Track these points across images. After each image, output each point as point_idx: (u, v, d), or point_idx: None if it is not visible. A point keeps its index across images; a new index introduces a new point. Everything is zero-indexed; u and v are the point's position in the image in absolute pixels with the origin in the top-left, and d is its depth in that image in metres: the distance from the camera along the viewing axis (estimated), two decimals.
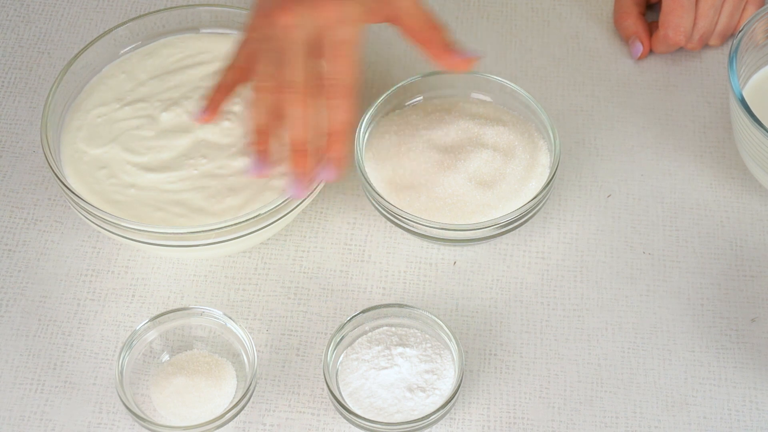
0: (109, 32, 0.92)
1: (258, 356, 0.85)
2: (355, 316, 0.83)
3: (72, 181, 0.87)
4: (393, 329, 0.84)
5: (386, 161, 0.89)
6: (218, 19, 0.95)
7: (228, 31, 0.95)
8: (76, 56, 0.90)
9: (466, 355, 0.86)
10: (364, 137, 0.90)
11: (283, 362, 0.85)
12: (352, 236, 0.92)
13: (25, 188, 0.94)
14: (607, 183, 0.94)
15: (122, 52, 0.94)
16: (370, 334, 0.84)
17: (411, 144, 0.90)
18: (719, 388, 0.84)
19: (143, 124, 0.90)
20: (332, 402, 0.82)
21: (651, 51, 1.01)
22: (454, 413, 0.83)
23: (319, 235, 0.92)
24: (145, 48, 0.94)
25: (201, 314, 0.84)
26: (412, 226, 0.87)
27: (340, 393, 0.82)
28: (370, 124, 0.91)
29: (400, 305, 0.84)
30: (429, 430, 0.82)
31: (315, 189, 0.86)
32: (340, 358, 0.83)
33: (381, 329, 0.84)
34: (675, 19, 0.97)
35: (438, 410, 0.80)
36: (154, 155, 0.89)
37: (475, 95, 0.93)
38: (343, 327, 0.83)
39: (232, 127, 0.90)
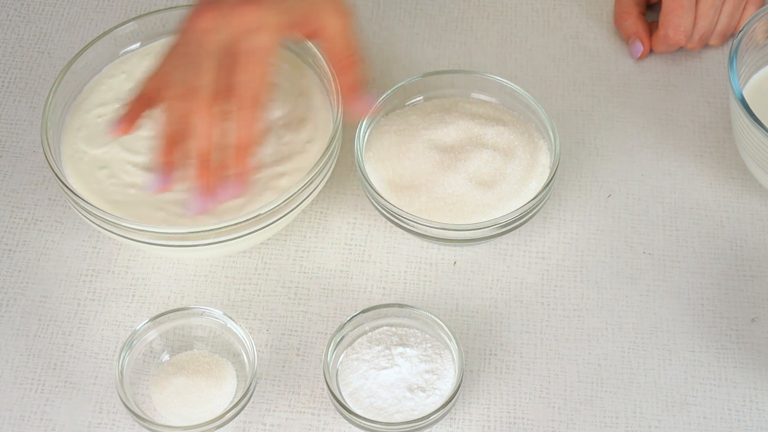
0: (109, 32, 0.92)
1: (258, 356, 0.85)
2: (355, 316, 0.83)
3: (72, 181, 0.87)
4: (393, 329, 0.84)
5: (386, 161, 0.89)
6: None
7: None
8: (76, 56, 0.90)
9: (466, 355, 0.86)
10: (364, 137, 0.90)
11: (283, 362, 0.85)
12: (352, 236, 0.92)
13: (25, 188, 0.94)
14: (607, 183, 0.94)
15: (122, 52, 0.94)
16: (370, 334, 0.84)
17: (411, 144, 0.90)
18: (719, 388, 0.84)
19: (143, 124, 0.90)
20: (332, 402, 0.82)
21: (651, 51, 1.01)
22: (454, 413, 0.83)
23: (319, 235, 0.92)
24: (145, 48, 0.94)
25: (201, 314, 0.84)
26: (412, 226, 0.87)
27: (340, 393, 0.82)
28: (370, 124, 0.91)
29: (400, 305, 0.84)
30: (429, 430, 0.82)
31: (314, 190, 0.86)
32: (340, 358, 0.83)
33: (381, 329, 0.84)
34: (675, 18, 0.97)
35: (438, 410, 0.80)
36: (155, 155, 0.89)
37: (476, 95, 0.93)
38: (343, 327, 0.83)
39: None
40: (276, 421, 0.83)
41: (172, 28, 0.94)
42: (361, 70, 0.84)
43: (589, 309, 0.88)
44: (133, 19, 0.93)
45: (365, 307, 0.84)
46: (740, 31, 0.90)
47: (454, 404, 0.81)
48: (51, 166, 0.85)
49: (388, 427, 0.80)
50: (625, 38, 1.02)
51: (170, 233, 0.82)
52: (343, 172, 0.94)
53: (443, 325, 0.83)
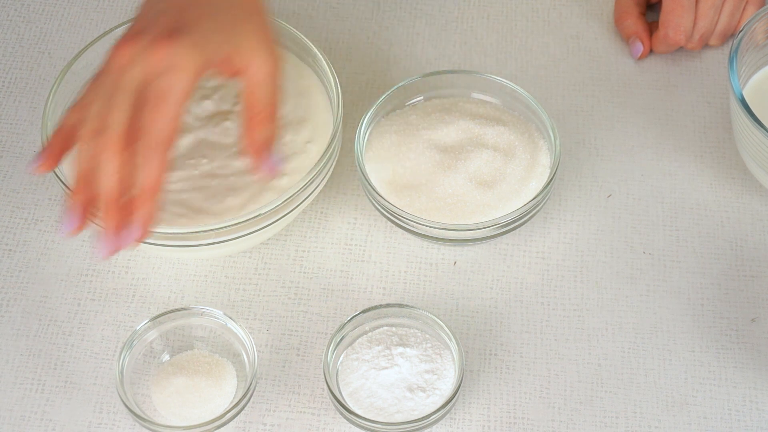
0: (109, 32, 0.92)
1: (258, 356, 0.85)
2: (356, 316, 0.83)
3: (72, 182, 0.87)
4: (393, 329, 0.84)
5: (386, 161, 0.89)
6: None
7: None
8: (76, 56, 0.90)
9: (466, 355, 0.86)
10: (364, 137, 0.90)
11: (283, 362, 0.85)
12: (352, 236, 0.92)
13: (25, 188, 0.94)
14: (607, 183, 0.94)
15: None
16: (370, 334, 0.84)
17: (411, 144, 0.90)
18: (719, 388, 0.84)
19: None
20: (332, 402, 0.82)
21: (651, 51, 1.01)
22: (455, 413, 0.83)
23: (320, 235, 0.92)
24: None
25: (201, 314, 0.84)
26: (413, 226, 0.87)
27: (340, 393, 0.82)
28: (370, 124, 0.91)
29: (401, 305, 0.84)
30: (429, 430, 0.82)
31: (314, 190, 0.86)
32: (341, 358, 0.83)
33: (381, 329, 0.84)
34: (675, 18, 0.97)
35: (438, 410, 0.80)
36: None
37: (476, 95, 0.93)
38: (343, 327, 0.83)
39: (232, 126, 0.90)
40: (276, 421, 0.83)
41: None
42: (275, 127, 0.78)
43: (589, 309, 0.88)
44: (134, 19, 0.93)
45: (365, 307, 0.84)
46: (740, 31, 0.90)
47: (454, 404, 0.81)
48: None
49: (388, 427, 0.80)
50: (625, 38, 1.02)
51: (170, 233, 0.82)
52: (343, 172, 0.94)
53: (443, 325, 0.83)
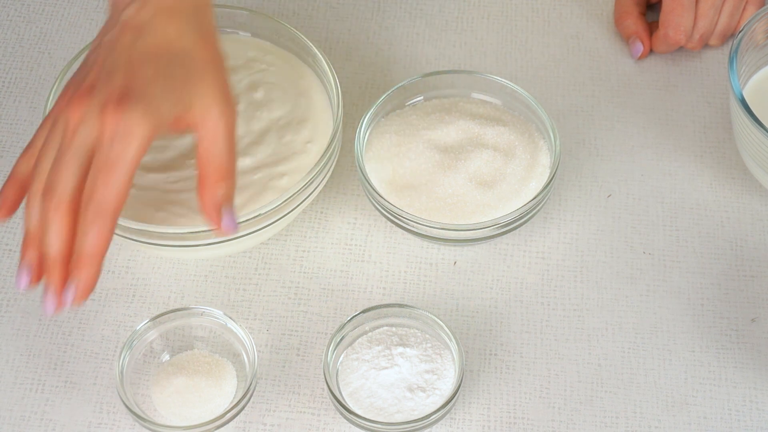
0: None
1: (258, 356, 0.85)
2: (356, 316, 0.83)
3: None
4: (393, 329, 0.84)
5: (386, 161, 0.89)
6: (218, 20, 0.95)
7: (229, 31, 0.95)
8: (77, 56, 0.90)
9: (466, 355, 0.86)
10: (364, 137, 0.90)
11: (283, 362, 0.85)
12: (352, 236, 0.92)
13: None
14: (607, 183, 0.94)
15: None
16: (370, 334, 0.84)
17: (411, 144, 0.90)
18: (719, 388, 0.84)
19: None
20: (332, 402, 0.82)
21: (651, 51, 1.01)
22: (455, 413, 0.83)
23: (319, 235, 0.92)
24: None
25: (201, 314, 0.84)
26: (413, 226, 0.87)
27: (340, 393, 0.82)
28: (370, 124, 0.91)
29: (401, 305, 0.84)
30: (429, 430, 0.82)
31: (314, 190, 0.86)
32: (341, 358, 0.83)
33: (381, 329, 0.84)
34: (675, 18, 0.98)
35: (438, 410, 0.80)
36: (155, 155, 0.89)
37: (476, 95, 0.93)
38: (343, 327, 0.83)
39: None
40: (276, 421, 0.83)
41: None
42: (232, 185, 0.76)
43: (589, 309, 0.88)
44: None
45: (365, 307, 0.84)
46: (740, 31, 0.90)
47: (454, 404, 0.81)
48: None
49: (388, 427, 0.80)
50: (625, 38, 1.02)
51: (170, 233, 0.82)
52: (343, 172, 0.94)
53: (443, 325, 0.83)
